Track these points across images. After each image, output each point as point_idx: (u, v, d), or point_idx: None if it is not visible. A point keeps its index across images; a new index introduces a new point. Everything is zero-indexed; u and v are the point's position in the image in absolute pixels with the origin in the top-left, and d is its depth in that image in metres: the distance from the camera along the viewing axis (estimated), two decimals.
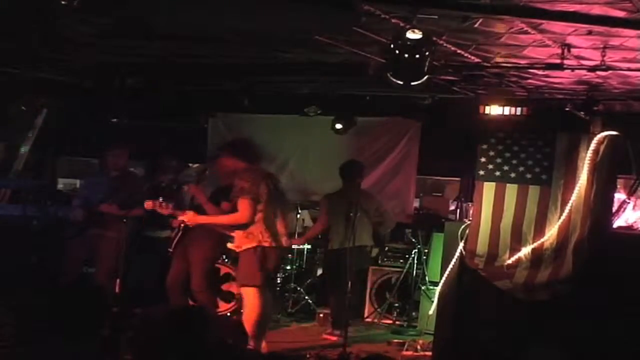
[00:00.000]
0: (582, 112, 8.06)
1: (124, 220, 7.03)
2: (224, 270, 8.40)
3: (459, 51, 6.59)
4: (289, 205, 7.37)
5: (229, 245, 6.93)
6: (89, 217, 7.64)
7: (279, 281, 9.14)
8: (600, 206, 6.27)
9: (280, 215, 6.71)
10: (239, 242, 6.60)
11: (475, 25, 5.65)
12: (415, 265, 8.79)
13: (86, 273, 8.01)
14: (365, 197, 8.28)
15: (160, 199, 6.84)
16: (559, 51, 6.31)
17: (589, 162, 6.27)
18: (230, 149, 6.84)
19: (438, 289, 6.98)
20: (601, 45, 6.11)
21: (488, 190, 6.65)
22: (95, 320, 6.54)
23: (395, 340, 7.91)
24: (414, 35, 5.41)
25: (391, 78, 5.67)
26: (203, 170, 7.36)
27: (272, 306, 7.39)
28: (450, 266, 6.80)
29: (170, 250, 7.31)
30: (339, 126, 9.69)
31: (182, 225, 7.09)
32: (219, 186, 7.25)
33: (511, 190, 6.56)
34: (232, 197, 6.60)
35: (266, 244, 6.50)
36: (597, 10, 5.06)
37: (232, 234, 6.72)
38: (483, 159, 6.67)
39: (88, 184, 8.12)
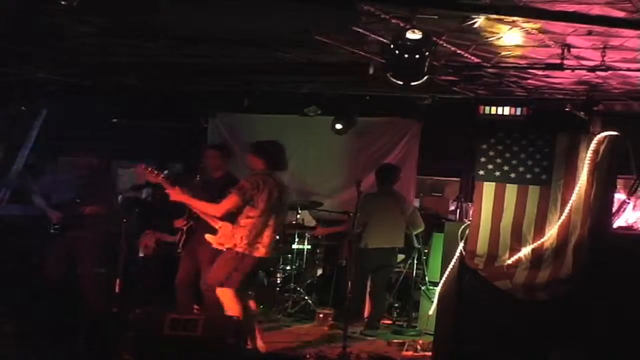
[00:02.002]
0: (582, 112, 8.07)
1: (124, 220, 7.00)
2: None
3: (459, 51, 6.60)
4: (286, 215, 7.27)
5: (208, 237, 6.63)
6: (64, 217, 7.62)
7: (279, 281, 9.12)
8: (600, 206, 6.26)
9: (272, 226, 6.54)
10: (223, 240, 6.51)
11: (475, 25, 5.65)
12: (415, 265, 8.80)
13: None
14: (403, 200, 8.70)
15: (150, 167, 6.71)
16: (559, 51, 6.32)
17: (589, 162, 6.26)
18: (256, 148, 6.70)
19: (438, 289, 6.97)
20: (601, 46, 6.12)
21: (488, 190, 6.65)
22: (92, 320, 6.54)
23: (395, 340, 7.91)
24: (414, 35, 5.41)
25: (391, 78, 5.67)
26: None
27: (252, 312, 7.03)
28: (450, 266, 6.80)
29: (179, 251, 7.33)
30: (339, 126, 9.68)
31: (188, 226, 7.15)
32: (207, 179, 7.28)
33: (511, 190, 6.55)
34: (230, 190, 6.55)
35: (240, 250, 6.43)
36: (597, 10, 5.07)
37: (217, 227, 6.58)
38: (483, 159, 6.67)
39: (56, 181, 8.10)
